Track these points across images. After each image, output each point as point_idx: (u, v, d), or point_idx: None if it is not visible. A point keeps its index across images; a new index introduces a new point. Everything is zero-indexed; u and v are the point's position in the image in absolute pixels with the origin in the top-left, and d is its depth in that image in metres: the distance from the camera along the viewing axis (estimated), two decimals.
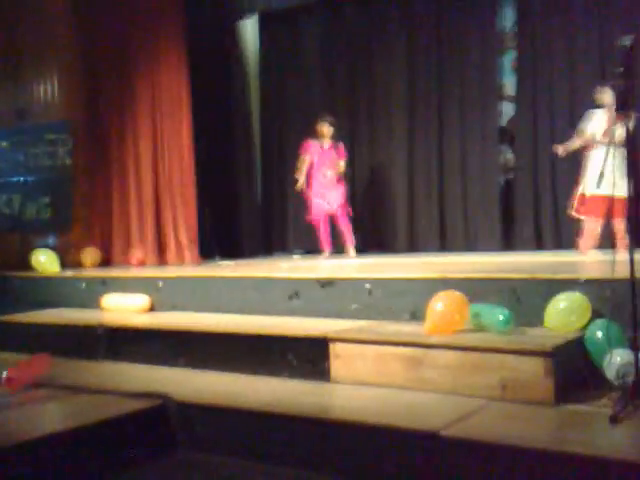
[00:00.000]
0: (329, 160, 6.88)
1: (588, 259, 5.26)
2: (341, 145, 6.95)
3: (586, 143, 5.67)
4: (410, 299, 4.04)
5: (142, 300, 4.97)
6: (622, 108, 3.11)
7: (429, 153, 7.40)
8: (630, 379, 2.98)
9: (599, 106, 5.72)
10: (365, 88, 7.78)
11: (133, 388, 3.60)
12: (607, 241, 5.84)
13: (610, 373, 3.13)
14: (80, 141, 6.98)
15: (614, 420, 2.75)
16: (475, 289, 3.81)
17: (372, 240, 7.64)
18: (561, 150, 5.84)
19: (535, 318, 3.60)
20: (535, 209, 6.84)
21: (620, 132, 4.92)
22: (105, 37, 7.01)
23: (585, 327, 3.42)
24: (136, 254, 6.70)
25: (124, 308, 5.03)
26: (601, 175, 3.45)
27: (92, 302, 5.28)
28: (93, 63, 7.06)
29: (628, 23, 6.20)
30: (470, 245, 7.05)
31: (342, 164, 6.87)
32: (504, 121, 7.31)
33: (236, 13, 7.82)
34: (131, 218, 6.86)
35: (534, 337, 3.38)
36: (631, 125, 5.58)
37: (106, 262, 6.82)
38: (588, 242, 5.65)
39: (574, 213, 5.76)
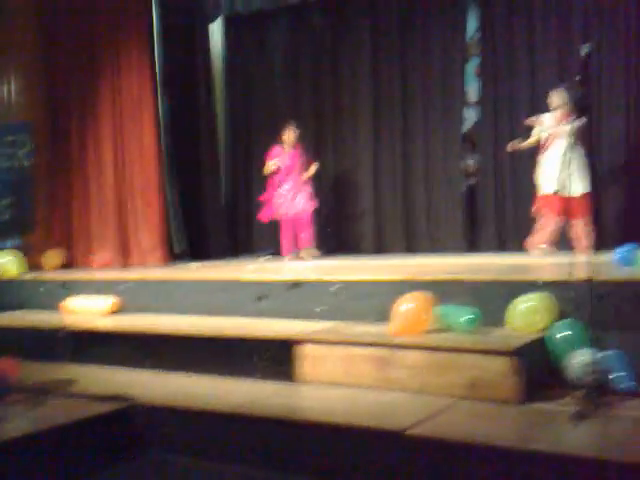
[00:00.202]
0: (297, 165, 6.90)
1: (548, 260, 5.36)
2: (301, 148, 6.98)
3: (538, 144, 5.84)
4: (377, 301, 4.07)
5: (106, 302, 4.90)
6: (579, 113, 3.19)
7: (394, 157, 7.45)
8: (593, 378, 3.05)
9: (551, 109, 5.91)
10: (330, 92, 7.80)
11: (99, 391, 3.55)
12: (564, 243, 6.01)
13: (573, 372, 3.20)
14: (41, 142, 6.86)
15: (577, 418, 2.82)
16: (441, 291, 3.86)
17: (339, 242, 7.66)
18: (509, 147, 6.03)
19: (499, 319, 3.66)
20: (497, 212, 6.95)
21: (569, 130, 5.21)
22: (67, 38, 6.91)
23: (548, 327, 3.49)
24: (98, 256, 6.60)
25: (87, 310, 4.95)
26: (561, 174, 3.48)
27: (54, 305, 5.19)
28: (54, 64, 6.96)
29: (587, 32, 6.38)
30: (436, 247, 7.12)
31: (313, 168, 6.89)
32: (467, 127, 7.42)
33: (202, 16, 7.78)
34: (93, 220, 6.76)
35: (499, 337, 3.44)
36: (577, 124, 5.85)
37: (68, 264, 6.70)
38: (539, 239, 5.78)
39: (535, 212, 5.93)
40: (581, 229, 5.49)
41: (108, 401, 3.33)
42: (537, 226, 5.86)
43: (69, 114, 6.91)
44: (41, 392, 3.55)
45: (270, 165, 6.84)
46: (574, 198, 5.49)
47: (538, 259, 5.50)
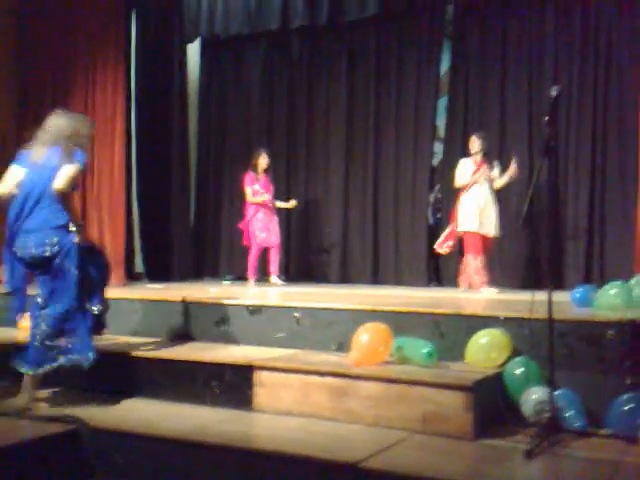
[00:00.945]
0: (269, 191, 6.92)
1: (508, 296, 5.42)
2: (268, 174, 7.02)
3: (459, 187, 6.16)
4: (338, 329, 4.06)
5: None
6: (546, 152, 3.25)
7: (364, 187, 7.52)
8: (545, 416, 3.07)
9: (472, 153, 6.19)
10: (304, 119, 7.86)
11: (47, 412, 3.45)
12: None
13: (527, 409, 3.22)
14: (7, 156, 6.73)
15: (529, 455, 2.83)
16: (401, 322, 3.87)
17: (305, 270, 7.66)
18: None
19: (457, 353, 3.67)
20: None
21: (484, 176, 6.02)
22: (42, 53, 6.88)
23: (504, 363, 3.51)
24: None
25: None
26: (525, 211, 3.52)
27: (9, 322, 5.04)
28: (27, 78, 6.91)
29: (557, 74, 6.55)
30: (401, 279, 7.16)
31: (292, 203, 7.02)
32: (436, 161, 7.53)
33: (180, 37, 7.81)
34: None
35: (456, 371, 3.45)
36: (496, 171, 6.20)
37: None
38: (478, 280, 5.94)
39: (439, 249, 6.29)
40: (476, 265, 5.94)
41: (55, 422, 3.24)
42: (464, 266, 6.08)
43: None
44: None
45: (252, 196, 6.84)
46: (488, 238, 6.02)
47: (502, 295, 5.57)
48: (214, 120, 8.30)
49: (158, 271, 7.24)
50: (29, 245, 3.69)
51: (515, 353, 3.54)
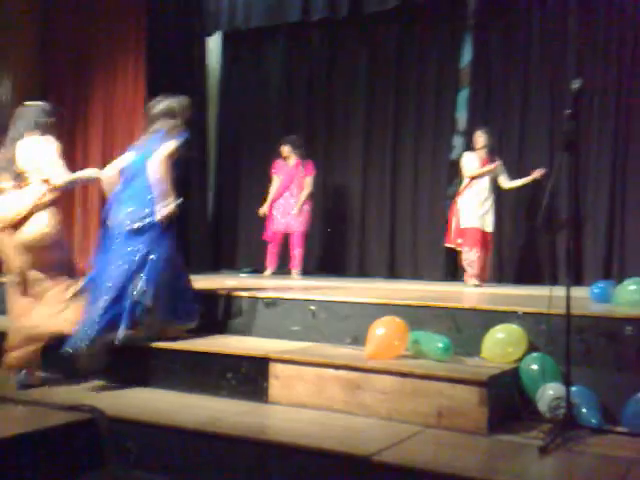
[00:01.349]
0: (296, 179, 6.89)
1: (525, 291, 5.38)
2: (309, 162, 6.95)
3: (471, 176, 6.15)
4: (353, 323, 4.06)
5: None
6: (567, 147, 3.20)
7: (383, 179, 7.49)
8: (561, 412, 3.05)
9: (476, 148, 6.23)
10: (323, 112, 7.85)
11: (65, 401, 3.49)
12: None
13: (542, 406, 3.20)
14: None
15: (543, 451, 2.81)
16: (417, 316, 3.86)
17: (323, 262, 7.66)
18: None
19: (473, 348, 3.65)
20: None
21: (493, 173, 6.05)
22: (63, 47, 6.94)
23: (521, 359, 3.49)
24: (79, 268, 6.53)
25: None
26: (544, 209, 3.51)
27: None
28: (49, 72, 6.97)
29: (580, 64, 6.47)
30: (419, 273, 7.13)
31: (308, 180, 6.86)
32: (456, 154, 7.47)
33: (200, 30, 7.83)
34: (75, 234, 6.72)
35: (471, 366, 3.43)
36: (501, 167, 6.19)
37: None
38: (470, 271, 6.02)
39: (450, 244, 6.28)
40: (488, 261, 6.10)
41: (71, 411, 3.27)
42: (467, 261, 6.10)
43: (60, 123, 6.90)
44: (1, 400, 3.48)
45: (273, 181, 6.88)
46: (488, 233, 6.09)
47: (519, 291, 5.52)
48: (234, 113, 8.31)
49: None
50: (120, 215, 3.94)
51: (532, 348, 3.52)
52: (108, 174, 4.13)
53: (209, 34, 8.01)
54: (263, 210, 6.94)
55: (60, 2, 6.96)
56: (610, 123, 6.33)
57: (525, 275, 6.56)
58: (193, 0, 7.66)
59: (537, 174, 6.05)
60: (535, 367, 3.36)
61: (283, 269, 6.98)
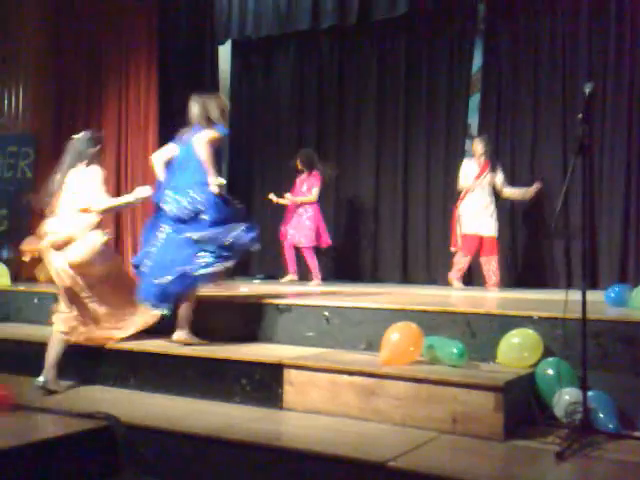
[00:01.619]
0: (301, 192, 6.91)
1: (540, 296, 5.34)
2: (315, 173, 6.93)
3: (462, 189, 6.30)
4: (367, 328, 4.05)
5: None
6: (580, 151, 3.18)
7: (395, 186, 7.49)
8: (578, 417, 3.02)
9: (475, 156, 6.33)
10: (334, 119, 7.87)
11: (80, 408, 3.51)
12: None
13: (559, 411, 3.17)
14: (44, 155, 6.90)
15: (560, 457, 2.79)
16: (431, 322, 3.84)
17: (336, 269, 7.66)
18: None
19: (488, 353, 3.63)
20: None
21: (488, 179, 6.15)
22: (76, 56, 7.01)
23: (536, 364, 3.46)
24: None
25: None
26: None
27: (44, 318, 5.16)
28: (62, 80, 7.04)
29: (590, 69, 6.44)
30: (431, 278, 7.11)
31: (314, 191, 6.85)
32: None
33: (211, 39, 7.88)
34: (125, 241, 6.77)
35: (486, 372, 3.41)
36: (499, 175, 6.20)
37: None
38: (456, 274, 6.20)
39: (455, 248, 6.33)
40: (490, 266, 6.12)
41: (87, 419, 3.29)
42: (458, 262, 6.24)
43: (74, 131, 6.93)
44: (18, 407, 3.50)
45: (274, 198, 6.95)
46: (487, 238, 6.13)
47: (534, 295, 5.49)
48: (245, 121, 8.35)
49: None
50: (171, 200, 4.30)
51: (547, 353, 3.49)
52: (157, 162, 4.52)
53: (220, 42, 8.06)
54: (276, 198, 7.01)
55: (73, 11, 7.04)
56: (623, 126, 6.29)
57: (540, 279, 6.52)
58: (204, 9, 7.71)
59: (534, 188, 6.18)
60: (551, 372, 3.33)
61: (304, 277, 6.97)
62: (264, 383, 3.70)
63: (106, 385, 4.02)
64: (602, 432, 3.02)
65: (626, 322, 3.47)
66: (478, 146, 6.29)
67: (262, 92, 8.29)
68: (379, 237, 7.55)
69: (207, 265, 4.19)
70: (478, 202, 6.15)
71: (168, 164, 4.50)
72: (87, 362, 4.22)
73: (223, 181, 4.48)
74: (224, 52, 8.33)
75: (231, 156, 8.39)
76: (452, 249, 6.39)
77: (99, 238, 4.21)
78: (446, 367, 3.47)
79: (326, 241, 6.86)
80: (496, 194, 6.31)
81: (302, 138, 7.89)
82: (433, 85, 7.35)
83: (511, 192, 6.31)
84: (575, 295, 3.18)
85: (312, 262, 6.78)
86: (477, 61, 7.31)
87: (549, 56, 6.73)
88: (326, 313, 4.21)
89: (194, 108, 4.47)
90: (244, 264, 8.10)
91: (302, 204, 6.82)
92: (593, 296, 3.65)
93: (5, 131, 6.92)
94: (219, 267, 4.24)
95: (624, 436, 3.06)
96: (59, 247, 4.15)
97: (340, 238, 7.75)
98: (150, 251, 4.33)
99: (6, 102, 6.93)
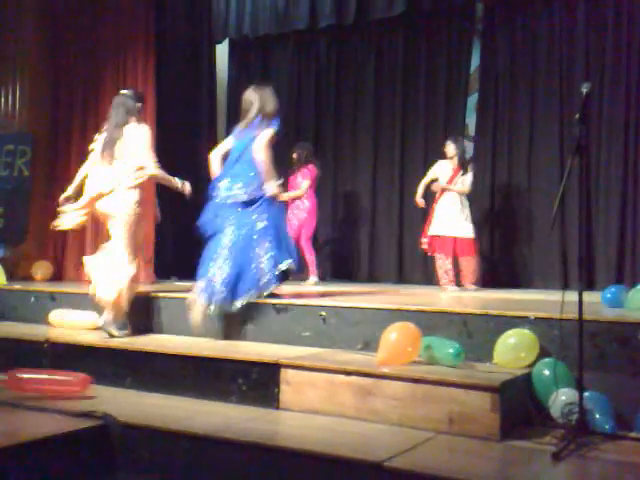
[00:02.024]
0: (294, 186, 6.89)
1: (537, 296, 5.36)
2: (308, 167, 6.87)
3: (436, 189, 6.29)
4: (364, 328, 4.05)
5: (91, 317, 4.86)
6: (577, 151, 3.18)
7: (392, 185, 7.50)
8: (574, 418, 3.03)
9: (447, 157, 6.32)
10: (331, 119, 7.87)
11: (75, 407, 3.50)
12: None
13: (555, 411, 3.18)
14: (40, 153, 6.90)
15: (556, 458, 2.79)
16: (428, 322, 3.84)
17: (333, 269, 7.65)
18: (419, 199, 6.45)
19: (485, 353, 3.64)
20: (490, 248, 6.96)
21: (462, 180, 6.17)
22: (73, 55, 6.99)
23: (533, 364, 3.47)
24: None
25: (72, 324, 4.92)
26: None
27: (40, 317, 5.16)
28: (59, 78, 7.02)
29: (588, 69, 6.45)
30: (427, 278, 7.11)
31: (304, 185, 6.83)
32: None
33: (208, 39, 7.86)
34: (86, 234, 6.74)
35: (483, 372, 3.41)
36: (469, 176, 6.22)
37: (58, 277, 6.67)
38: (442, 278, 6.17)
39: (425, 248, 6.37)
40: (469, 266, 6.16)
41: (83, 418, 3.28)
42: (443, 269, 6.24)
43: (71, 128, 6.95)
44: (14, 406, 3.49)
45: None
46: (462, 239, 6.14)
47: (530, 296, 5.50)
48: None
49: (187, 271, 7.26)
50: (229, 190, 4.55)
51: (544, 354, 3.49)
52: (215, 154, 4.80)
53: (217, 41, 8.04)
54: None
55: (70, 9, 7.02)
56: (620, 127, 6.30)
57: (537, 280, 6.53)
58: (202, 8, 7.69)
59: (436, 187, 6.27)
60: (547, 372, 3.34)
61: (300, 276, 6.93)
62: (261, 383, 3.70)
63: (102, 384, 4.00)
64: (598, 433, 3.02)
65: (622, 323, 3.47)
66: (450, 148, 6.29)
67: None
68: (376, 237, 7.56)
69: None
70: (452, 204, 6.16)
71: (224, 158, 4.73)
72: (83, 361, 4.21)
73: (280, 183, 4.69)
74: (222, 51, 8.32)
75: None
76: (423, 246, 6.40)
77: (139, 197, 4.53)
78: (443, 367, 3.47)
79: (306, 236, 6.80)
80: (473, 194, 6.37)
81: (300, 137, 7.87)
82: (431, 85, 7.36)
83: (456, 188, 6.25)
84: (572, 296, 3.18)
85: (310, 257, 6.78)
86: (475, 61, 7.32)
87: (546, 56, 6.74)
88: (323, 313, 4.20)
89: (254, 101, 4.69)
90: None
91: (296, 198, 6.80)
92: (590, 297, 3.67)
93: (2, 129, 6.90)
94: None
95: (620, 437, 3.06)
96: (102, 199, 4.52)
97: (337, 238, 7.75)
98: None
99: (3, 100, 6.90)
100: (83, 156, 6.83)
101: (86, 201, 4.64)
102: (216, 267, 4.42)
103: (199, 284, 4.45)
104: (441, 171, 6.31)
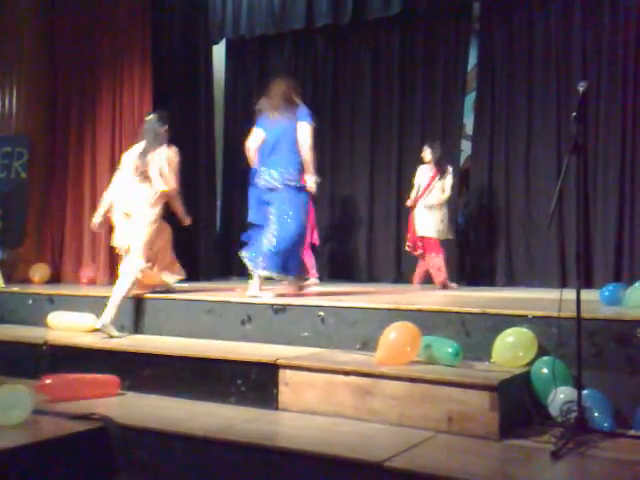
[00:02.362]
0: None
1: (534, 295, 5.36)
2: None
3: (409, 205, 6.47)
4: (362, 329, 4.05)
5: (89, 319, 4.86)
6: (574, 149, 3.18)
7: (390, 185, 7.48)
8: (572, 416, 3.03)
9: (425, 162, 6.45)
10: (329, 118, 7.85)
11: (75, 409, 3.50)
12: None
13: (554, 410, 3.18)
14: (38, 156, 6.89)
15: (556, 456, 2.79)
16: (426, 321, 3.84)
17: (331, 269, 7.65)
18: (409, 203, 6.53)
19: (483, 352, 3.64)
20: (488, 246, 6.96)
21: (441, 185, 6.33)
22: (70, 57, 6.98)
23: (531, 363, 3.47)
24: (87, 272, 6.57)
25: (70, 327, 4.91)
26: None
27: (38, 319, 5.15)
28: (56, 80, 7.02)
29: (585, 66, 6.46)
30: (427, 278, 7.10)
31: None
32: (463, 159, 7.46)
33: (205, 39, 7.86)
34: (84, 236, 6.75)
35: (481, 371, 3.41)
36: (449, 180, 6.29)
37: (55, 279, 6.67)
38: (440, 277, 6.28)
39: (409, 249, 6.54)
40: (434, 263, 6.27)
41: (82, 420, 3.28)
42: (420, 265, 6.47)
43: (68, 131, 6.95)
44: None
45: None
46: (435, 240, 6.29)
47: (529, 294, 5.50)
48: (239, 121, 8.31)
49: (185, 271, 7.27)
50: (270, 177, 4.87)
51: (542, 352, 3.50)
52: (249, 146, 5.10)
53: (214, 42, 8.04)
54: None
55: (67, 12, 7.02)
56: (618, 125, 6.30)
57: (535, 278, 6.53)
58: (198, 8, 7.69)
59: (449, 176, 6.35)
60: (546, 371, 3.34)
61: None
62: (259, 383, 3.70)
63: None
64: (597, 431, 3.03)
65: (620, 321, 3.47)
66: (426, 153, 6.44)
67: (257, 91, 8.24)
68: (374, 238, 7.55)
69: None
70: (429, 207, 6.31)
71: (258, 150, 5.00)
72: (81, 363, 4.21)
73: (317, 181, 4.95)
74: (218, 52, 8.31)
75: (226, 157, 8.38)
76: (406, 248, 6.56)
77: (157, 212, 4.95)
78: (441, 367, 3.47)
79: (315, 239, 6.84)
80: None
81: None
82: (428, 84, 7.35)
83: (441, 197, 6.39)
84: (570, 294, 3.19)
85: (310, 260, 6.77)
86: (472, 60, 7.32)
87: (543, 55, 6.74)
88: (321, 313, 4.20)
89: (280, 90, 4.97)
90: (241, 265, 8.08)
91: None
92: (588, 295, 3.67)
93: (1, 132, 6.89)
94: None
95: (619, 435, 3.07)
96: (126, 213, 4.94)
97: (335, 238, 7.74)
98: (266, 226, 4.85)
99: (1, 102, 6.90)
100: (80, 158, 6.90)
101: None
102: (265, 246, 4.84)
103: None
104: (422, 176, 6.46)
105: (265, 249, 4.81)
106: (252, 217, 5.07)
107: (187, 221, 5.29)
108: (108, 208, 5.08)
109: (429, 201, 6.32)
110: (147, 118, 5.25)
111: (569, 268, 5.94)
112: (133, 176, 4.98)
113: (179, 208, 5.18)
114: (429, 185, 6.36)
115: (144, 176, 4.93)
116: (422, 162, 6.49)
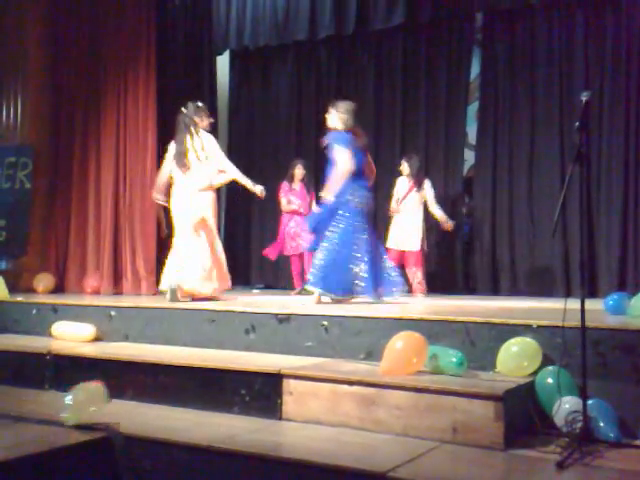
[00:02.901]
0: (303, 201, 6.90)
1: (540, 305, 5.35)
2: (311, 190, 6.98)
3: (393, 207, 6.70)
4: (366, 338, 4.04)
5: (89, 329, 4.86)
6: (577, 159, 3.18)
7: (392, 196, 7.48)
8: (578, 426, 3.01)
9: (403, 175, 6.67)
10: None
11: (79, 420, 3.48)
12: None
13: (559, 420, 3.16)
14: (42, 166, 6.91)
15: (561, 466, 2.78)
16: (430, 330, 3.83)
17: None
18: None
19: (488, 361, 3.63)
20: (491, 255, 6.95)
21: (419, 197, 6.55)
22: (75, 67, 7.02)
23: (536, 372, 3.45)
24: (91, 282, 6.58)
25: (75, 336, 4.92)
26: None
27: (42, 329, 5.16)
28: (61, 91, 7.05)
29: (587, 77, 6.47)
30: (430, 288, 7.09)
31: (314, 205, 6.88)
32: (466, 168, 7.47)
33: (209, 50, 7.90)
34: (88, 245, 6.76)
35: (486, 381, 3.40)
36: (429, 192, 6.47)
37: (59, 289, 6.68)
38: (421, 287, 6.52)
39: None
40: (416, 276, 6.50)
41: (85, 430, 3.27)
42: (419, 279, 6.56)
43: (72, 141, 6.98)
44: (17, 419, 3.49)
45: (287, 205, 6.88)
46: (413, 253, 6.50)
47: (533, 304, 5.49)
48: (243, 131, 8.36)
49: None
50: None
51: (547, 362, 3.48)
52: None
53: (218, 53, 8.08)
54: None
55: (71, 22, 7.06)
56: (620, 134, 6.31)
57: (539, 288, 6.52)
58: (202, 19, 7.73)
59: (447, 225, 6.56)
60: (551, 381, 3.32)
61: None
62: (263, 393, 3.69)
63: None
64: (602, 441, 3.01)
65: (625, 330, 3.46)
66: (403, 166, 6.62)
67: (260, 102, 8.30)
68: None
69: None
70: (405, 219, 6.49)
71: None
72: (84, 374, 4.19)
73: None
74: (222, 62, 8.35)
75: None
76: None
77: (214, 198, 5.41)
78: (446, 376, 3.46)
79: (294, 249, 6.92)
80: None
81: (300, 148, 7.90)
82: (431, 94, 7.37)
83: (435, 212, 6.59)
84: (574, 303, 3.18)
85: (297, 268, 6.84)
86: (475, 69, 7.35)
87: (546, 64, 6.76)
88: (325, 323, 4.20)
89: (343, 115, 5.25)
90: (244, 274, 8.10)
91: (293, 213, 6.86)
92: (592, 304, 3.66)
93: (3, 142, 6.92)
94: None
95: (625, 445, 3.05)
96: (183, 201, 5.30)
97: None
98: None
99: (4, 113, 6.93)
100: (84, 168, 6.92)
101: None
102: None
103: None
104: (401, 187, 6.65)
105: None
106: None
107: (258, 191, 5.55)
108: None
109: (406, 212, 6.50)
110: (183, 109, 5.63)
111: (573, 277, 5.95)
112: (180, 168, 5.48)
113: (246, 183, 5.56)
114: (405, 197, 6.54)
115: (188, 167, 5.45)
116: (400, 174, 6.67)
